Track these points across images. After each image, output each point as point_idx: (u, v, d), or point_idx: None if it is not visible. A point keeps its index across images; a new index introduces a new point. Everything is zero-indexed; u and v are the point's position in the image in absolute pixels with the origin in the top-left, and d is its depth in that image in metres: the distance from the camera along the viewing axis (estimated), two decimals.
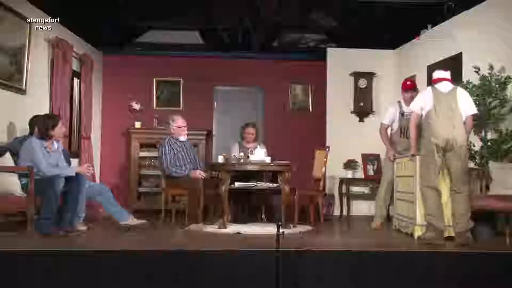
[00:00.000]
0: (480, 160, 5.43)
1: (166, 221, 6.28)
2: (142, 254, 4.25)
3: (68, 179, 5.24)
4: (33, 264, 3.92)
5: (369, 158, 7.76)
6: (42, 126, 5.32)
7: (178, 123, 6.53)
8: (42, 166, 5.12)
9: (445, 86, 5.09)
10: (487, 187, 5.29)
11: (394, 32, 7.76)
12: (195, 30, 8.62)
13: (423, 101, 5.14)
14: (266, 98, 8.94)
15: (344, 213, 7.68)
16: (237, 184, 6.00)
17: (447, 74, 5.21)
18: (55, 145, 5.43)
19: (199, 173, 6.25)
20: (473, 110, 5.08)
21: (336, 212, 7.80)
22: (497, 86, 5.46)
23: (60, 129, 5.43)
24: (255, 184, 6.11)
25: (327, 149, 6.66)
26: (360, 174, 7.82)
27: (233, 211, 6.34)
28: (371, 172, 7.74)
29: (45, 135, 5.30)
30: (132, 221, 5.63)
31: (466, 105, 5.04)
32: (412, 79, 6.74)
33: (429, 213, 4.97)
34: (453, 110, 4.98)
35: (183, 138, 6.52)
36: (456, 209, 4.94)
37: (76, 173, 5.41)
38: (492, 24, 5.84)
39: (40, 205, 5.05)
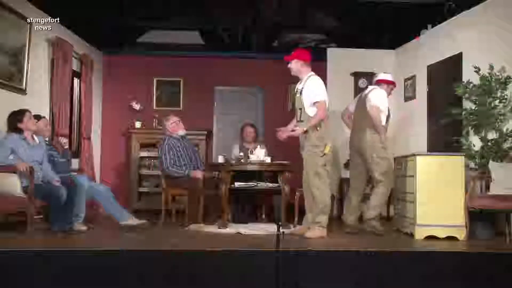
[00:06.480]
0: (480, 160, 5.43)
1: (166, 221, 6.27)
2: (142, 254, 4.25)
3: (66, 180, 5.31)
4: (33, 264, 3.92)
5: None
6: (10, 123, 5.31)
7: (172, 119, 6.55)
8: None
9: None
10: (487, 187, 5.29)
11: (394, 32, 7.76)
12: (195, 30, 8.62)
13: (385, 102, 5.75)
14: (266, 98, 8.94)
15: (344, 213, 7.65)
16: (237, 184, 6.01)
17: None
18: (36, 140, 5.44)
19: (199, 173, 6.25)
20: None
21: (336, 212, 7.79)
22: (497, 86, 5.45)
23: (29, 121, 5.33)
24: (255, 184, 6.12)
25: None
26: None
27: (233, 211, 6.35)
28: None
29: (16, 130, 5.27)
30: (132, 221, 5.63)
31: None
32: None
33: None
34: None
35: (182, 132, 6.53)
36: None
37: (76, 174, 5.44)
38: (492, 24, 5.83)
39: (41, 206, 5.12)
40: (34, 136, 5.43)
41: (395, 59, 8.10)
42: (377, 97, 5.72)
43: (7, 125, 5.33)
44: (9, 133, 5.29)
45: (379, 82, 5.88)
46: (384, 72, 6.08)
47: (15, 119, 5.29)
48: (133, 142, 8.35)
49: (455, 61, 6.37)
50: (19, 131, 5.27)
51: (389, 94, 5.94)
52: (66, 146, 6.24)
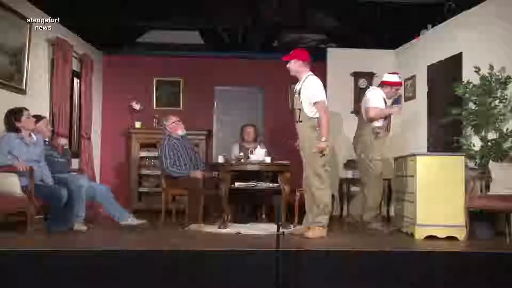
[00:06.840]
0: (480, 160, 5.43)
1: (166, 221, 6.27)
2: (142, 254, 4.25)
3: (66, 180, 5.31)
4: (33, 264, 3.92)
5: None
6: (7, 122, 5.30)
7: (172, 119, 6.56)
8: None
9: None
10: (487, 187, 5.29)
11: (394, 32, 7.76)
12: (195, 30, 8.62)
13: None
14: (266, 98, 8.94)
15: (344, 213, 7.67)
16: (237, 184, 6.01)
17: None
18: (34, 138, 5.42)
19: (199, 173, 6.25)
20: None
21: (336, 212, 7.79)
22: (497, 86, 5.45)
23: (27, 120, 5.31)
24: (255, 184, 6.11)
25: None
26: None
27: (233, 211, 6.34)
28: None
29: (13, 129, 5.26)
30: (132, 221, 5.63)
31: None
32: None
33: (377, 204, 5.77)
34: None
35: (181, 132, 6.53)
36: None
37: (75, 175, 5.45)
38: (492, 24, 5.83)
39: (40, 207, 5.13)
40: (32, 135, 5.41)
41: (395, 59, 8.10)
42: (370, 97, 5.85)
43: (5, 124, 5.32)
44: (7, 132, 5.28)
45: (382, 84, 5.92)
46: (389, 73, 6.08)
47: (13, 118, 5.27)
48: (133, 142, 8.35)
49: (455, 61, 6.37)
50: (17, 130, 5.26)
51: (394, 94, 5.99)
52: (66, 146, 6.24)
